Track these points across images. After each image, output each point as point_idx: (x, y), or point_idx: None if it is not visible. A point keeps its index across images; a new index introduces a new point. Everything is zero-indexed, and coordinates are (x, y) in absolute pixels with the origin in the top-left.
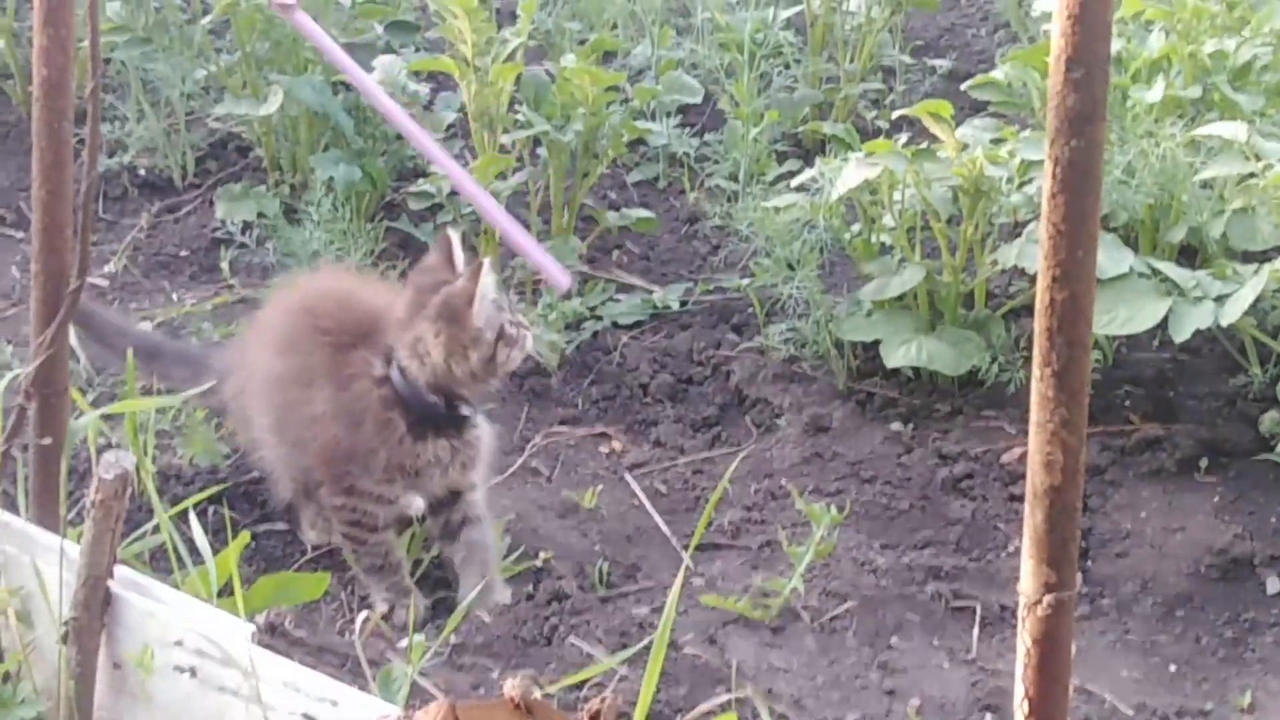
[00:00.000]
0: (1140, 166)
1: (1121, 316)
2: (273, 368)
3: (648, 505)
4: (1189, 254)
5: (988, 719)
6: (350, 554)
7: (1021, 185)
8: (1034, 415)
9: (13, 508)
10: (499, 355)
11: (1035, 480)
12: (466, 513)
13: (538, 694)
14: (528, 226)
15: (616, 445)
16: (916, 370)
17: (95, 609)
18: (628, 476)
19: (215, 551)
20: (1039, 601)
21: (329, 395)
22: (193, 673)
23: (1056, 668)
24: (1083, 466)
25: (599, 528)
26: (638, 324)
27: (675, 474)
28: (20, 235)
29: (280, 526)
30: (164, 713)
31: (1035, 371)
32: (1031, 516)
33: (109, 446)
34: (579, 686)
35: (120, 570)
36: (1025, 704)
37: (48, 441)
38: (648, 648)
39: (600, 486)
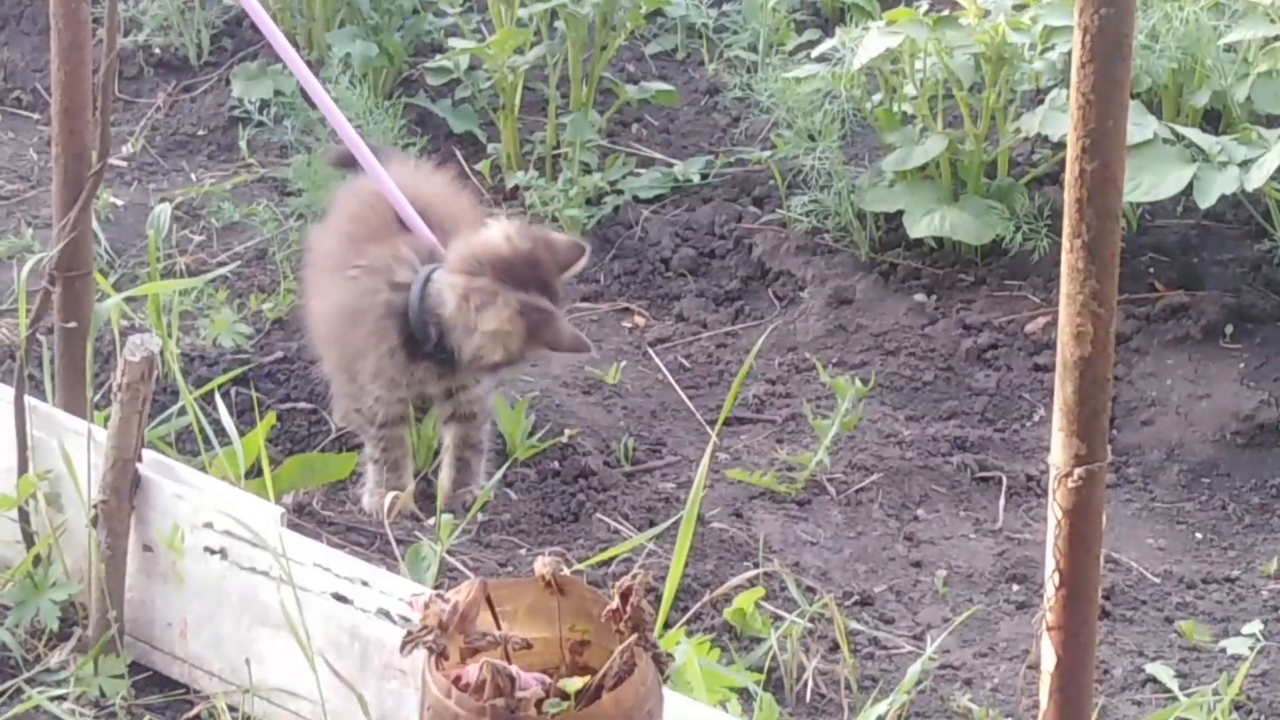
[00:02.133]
0: (1163, 31)
1: (1146, 183)
2: (313, 253)
3: (671, 380)
4: (1213, 119)
5: (1014, 589)
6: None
7: (1044, 51)
8: (1064, 287)
9: (39, 392)
10: (491, 366)
11: (1065, 352)
12: (457, 409)
13: (567, 572)
14: (547, 102)
15: (639, 320)
16: (939, 240)
17: (124, 492)
18: (651, 351)
19: (241, 433)
20: (1069, 473)
21: (337, 285)
22: (223, 554)
23: (1088, 539)
24: (1113, 338)
25: (623, 403)
26: (658, 198)
27: (699, 348)
28: (37, 116)
29: (305, 405)
30: (195, 594)
31: (1065, 243)
32: (1061, 388)
33: (132, 329)
34: (607, 563)
35: (148, 453)
36: (1056, 575)
37: (72, 325)
38: (675, 523)
39: (624, 362)
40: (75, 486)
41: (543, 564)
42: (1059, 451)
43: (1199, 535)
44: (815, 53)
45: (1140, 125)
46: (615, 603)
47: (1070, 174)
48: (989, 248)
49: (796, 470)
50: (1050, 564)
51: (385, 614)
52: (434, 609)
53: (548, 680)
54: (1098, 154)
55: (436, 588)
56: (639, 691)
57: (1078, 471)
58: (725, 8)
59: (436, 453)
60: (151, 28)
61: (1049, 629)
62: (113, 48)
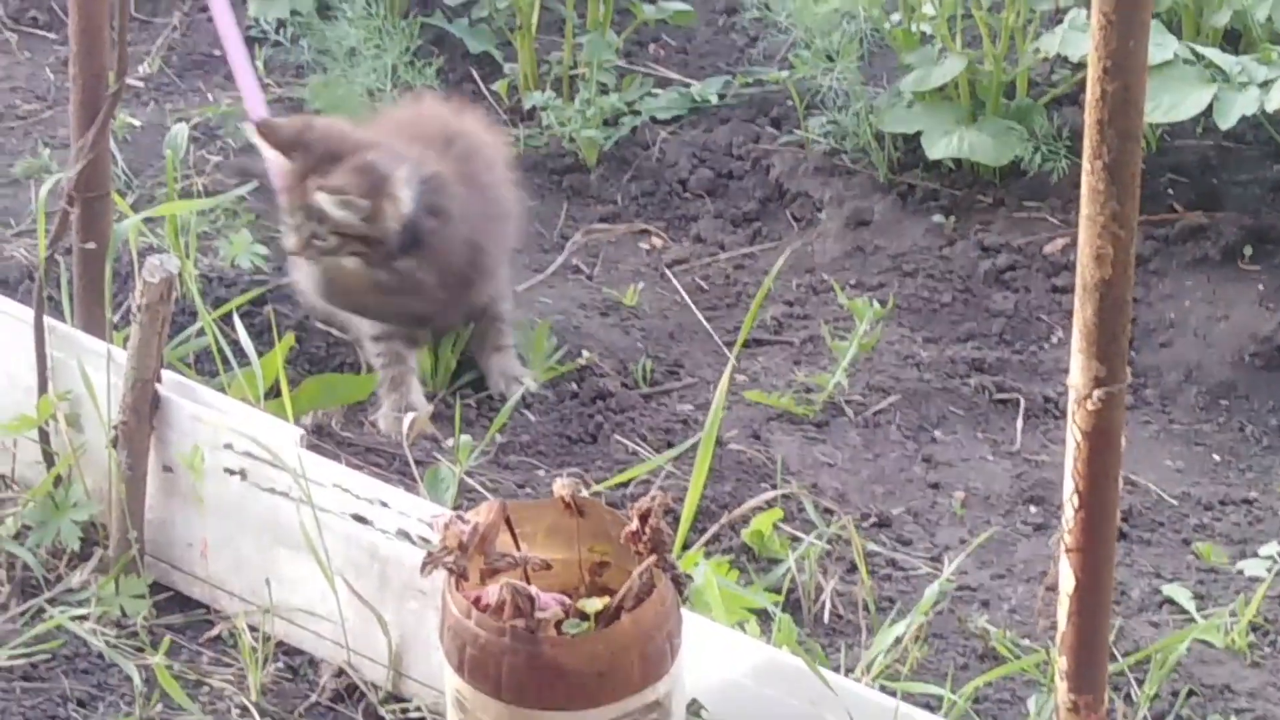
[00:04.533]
0: None
1: (1165, 104)
2: None
3: (689, 302)
4: (1233, 39)
5: (1032, 510)
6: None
7: None
8: (1084, 209)
9: (58, 312)
10: None
11: (1085, 274)
12: (488, 310)
13: (586, 493)
14: (564, 22)
15: (657, 242)
16: (958, 161)
17: (144, 412)
18: (668, 273)
19: (260, 353)
20: (1088, 396)
21: None
22: (243, 475)
23: (1106, 461)
24: (1133, 259)
25: (641, 325)
26: (676, 118)
27: (716, 270)
28: (53, 36)
29: (323, 326)
30: (215, 515)
31: (1085, 165)
32: (1081, 310)
33: (151, 250)
34: (626, 484)
35: (167, 374)
36: (1075, 497)
37: (91, 246)
38: (693, 445)
39: (641, 284)
40: (95, 407)
41: (561, 485)
42: (1078, 374)
43: (1217, 457)
44: None
45: (1160, 45)
46: (634, 524)
47: (1091, 95)
48: (1007, 169)
49: (814, 392)
50: (1069, 486)
51: (405, 535)
52: (453, 530)
53: (567, 601)
54: (1119, 75)
55: (456, 509)
56: (658, 612)
57: (1097, 394)
58: None
59: (454, 375)
60: None
61: (1067, 551)
62: None
